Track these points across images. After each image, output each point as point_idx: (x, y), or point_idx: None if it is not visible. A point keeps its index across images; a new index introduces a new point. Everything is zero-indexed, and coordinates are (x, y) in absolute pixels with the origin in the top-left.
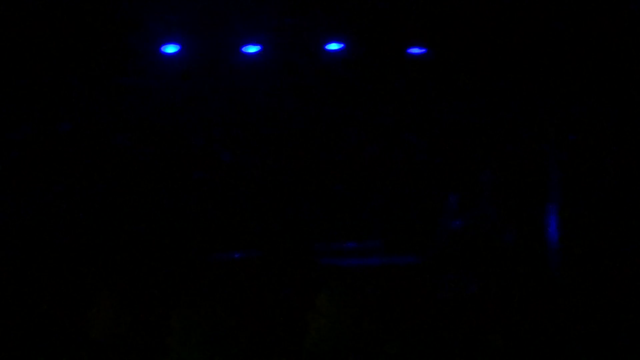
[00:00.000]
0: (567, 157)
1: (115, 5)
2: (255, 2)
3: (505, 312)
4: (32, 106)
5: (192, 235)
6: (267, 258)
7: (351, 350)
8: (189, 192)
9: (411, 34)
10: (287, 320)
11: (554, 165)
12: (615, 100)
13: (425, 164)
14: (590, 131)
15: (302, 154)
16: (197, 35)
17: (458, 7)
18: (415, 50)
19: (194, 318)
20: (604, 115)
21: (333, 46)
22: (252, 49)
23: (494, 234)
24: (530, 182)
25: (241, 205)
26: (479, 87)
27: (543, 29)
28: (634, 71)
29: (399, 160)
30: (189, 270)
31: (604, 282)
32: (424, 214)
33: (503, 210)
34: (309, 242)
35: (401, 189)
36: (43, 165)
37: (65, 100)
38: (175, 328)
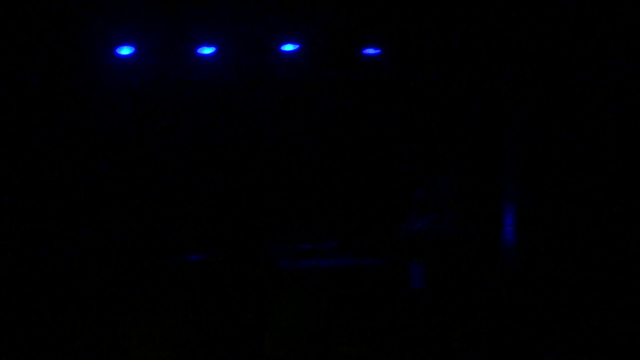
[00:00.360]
0: (523, 155)
1: (71, 7)
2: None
3: (462, 311)
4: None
5: (149, 239)
6: (224, 261)
7: (309, 352)
8: (143, 195)
9: (366, 35)
10: (244, 324)
11: (510, 165)
12: (568, 98)
13: (383, 165)
14: (546, 129)
15: (258, 155)
16: (152, 37)
17: (413, 7)
18: (370, 51)
19: (150, 320)
20: (559, 114)
21: (288, 47)
22: (206, 50)
23: (451, 234)
24: (487, 182)
25: (196, 208)
26: (434, 87)
27: (496, 27)
28: (583, 70)
29: (357, 160)
30: (144, 272)
31: (558, 279)
32: (382, 215)
33: (460, 212)
34: (265, 244)
35: (358, 189)
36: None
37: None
38: (132, 331)
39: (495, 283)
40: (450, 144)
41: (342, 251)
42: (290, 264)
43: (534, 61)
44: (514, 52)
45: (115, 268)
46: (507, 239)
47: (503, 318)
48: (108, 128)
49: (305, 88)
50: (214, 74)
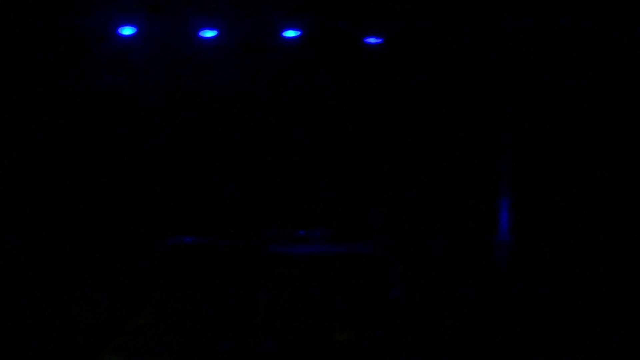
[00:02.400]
0: (518, 151)
1: None
2: None
3: (453, 304)
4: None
5: (143, 220)
6: (218, 243)
7: (300, 338)
8: (139, 177)
9: (368, 23)
10: (236, 308)
11: (505, 159)
12: (565, 93)
13: (381, 153)
14: (542, 125)
15: (255, 140)
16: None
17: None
18: (371, 40)
19: (145, 302)
20: (556, 109)
21: (290, 33)
22: (208, 33)
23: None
24: (481, 176)
25: (192, 191)
26: (432, 78)
27: (496, 21)
28: (581, 65)
29: (354, 147)
30: (138, 254)
31: (553, 276)
32: (375, 203)
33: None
34: (258, 228)
35: (353, 176)
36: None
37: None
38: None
39: (489, 280)
40: (445, 138)
41: (336, 238)
42: (283, 249)
43: (531, 55)
44: (511, 48)
45: (110, 249)
46: (502, 235)
47: (497, 314)
48: (107, 110)
49: (304, 75)
50: (214, 58)
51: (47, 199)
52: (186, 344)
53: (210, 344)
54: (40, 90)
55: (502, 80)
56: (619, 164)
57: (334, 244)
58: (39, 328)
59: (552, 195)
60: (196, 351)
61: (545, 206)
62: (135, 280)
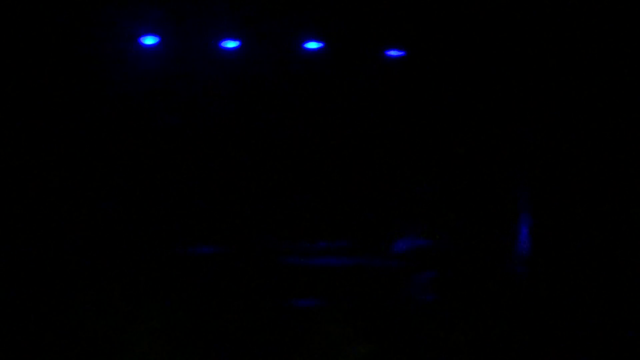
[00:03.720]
0: (539, 165)
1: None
2: None
3: (472, 320)
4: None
5: (161, 230)
6: (234, 254)
7: (320, 350)
8: (156, 188)
9: (390, 36)
10: (254, 318)
11: (525, 174)
12: (587, 104)
13: (398, 165)
14: (563, 136)
15: (274, 151)
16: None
17: (437, 9)
18: (393, 53)
19: (159, 313)
20: (578, 120)
21: (312, 45)
22: (230, 44)
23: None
24: (502, 190)
25: (209, 201)
26: (455, 93)
27: (523, 34)
28: (604, 74)
29: (374, 161)
30: (154, 264)
31: (574, 292)
32: (393, 216)
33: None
34: (275, 240)
35: (372, 189)
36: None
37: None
38: (140, 322)
39: (508, 293)
40: (464, 149)
41: (355, 251)
42: (300, 261)
43: (551, 64)
44: (531, 57)
45: (121, 261)
46: (522, 249)
47: (516, 329)
48: (129, 117)
49: (326, 86)
50: (236, 68)
51: (63, 204)
52: (197, 352)
53: (221, 353)
54: (60, 98)
55: (522, 88)
56: None
57: (353, 255)
58: (49, 333)
59: (574, 208)
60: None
61: (566, 218)
62: (147, 287)
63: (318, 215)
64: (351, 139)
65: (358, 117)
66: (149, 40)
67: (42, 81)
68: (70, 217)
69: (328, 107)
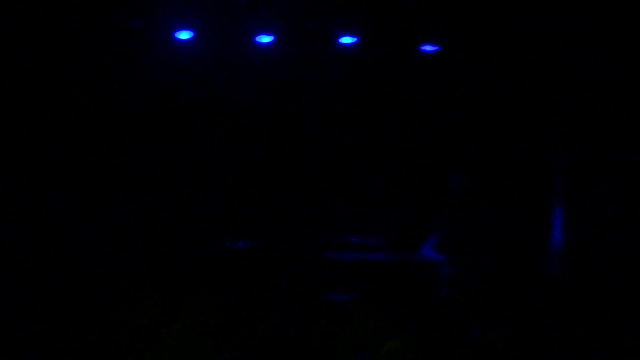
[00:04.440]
0: (573, 160)
1: None
2: None
3: (504, 313)
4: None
5: (195, 225)
6: (270, 249)
7: (350, 346)
8: (190, 184)
9: (425, 31)
10: (289, 313)
11: (560, 168)
12: (622, 97)
13: (432, 161)
14: (598, 131)
15: (308, 146)
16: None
17: (472, 5)
18: (428, 48)
19: (194, 307)
20: (613, 113)
21: (346, 40)
22: (265, 39)
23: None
24: (536, 185)
25: (243, 196)
26: (488, 88)
27: (557, 29)
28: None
29: (404, 157)
30: (188, 259)
31: (606, 286)
32: (425, 213)
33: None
34: (311, 234)
35: (405, 186)
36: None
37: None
38: (173, 318)
39: (541, 287)
40: (499, 144)
41: (389, 246)
42: (335, 256)
43: (588, 59)
44: (569, 51)
45: (160, 255)
46: (556, 242)
47: (548, 323)
48: (163, 111)
49: (360, 82)
50: (271, 63)
51: (95, 202)
52: (225, 348)
53: (250, 349)
54: (89, 92)
55: (560, 81)
56: None
57: (385, 251)
58: (80, 331)
59: (609, 201)
60: (235, 355)
61: (601, 212)
62: (178, 284)
63: (352, 211)
64: (385, 135)
65: (391, 113)
66: (184, 35)
67: (75, 76)
68: (105, 216)
69: (362, 103)
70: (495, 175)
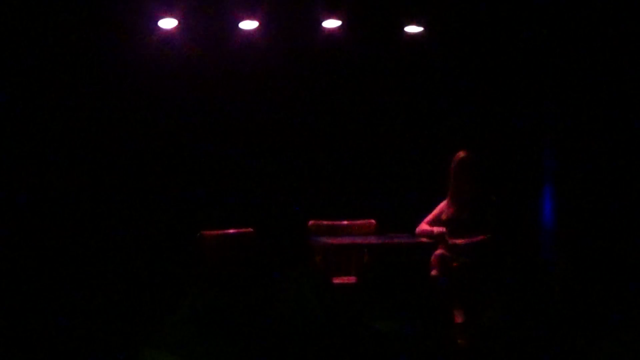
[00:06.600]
0: (563, 140)
1: None
2: None
3: (498, 295)
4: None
5: (189, 211)
6: (260, 234)
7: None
8: (184, 168)
9: (409, 12)
10: (278, 296)
11: (550, 148)
12: (613, 78)
13: (422, 145)
14: (588, 111)
15: (300, 132)
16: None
17: None
18: (412, 29)
19: (188, 294)
20: (603, 95)
21: (330, 23)
22: (249, 25)
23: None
24: (526, 166)
25: (235, 181)
26: (475, 70)
27: (543, 14)
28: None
29: (396, 141)
30: (183, 245)
31: (597, 266)
32: (418, 195)
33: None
34: (302, 218)
35: (397, 169)
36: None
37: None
38: (167, 304)
39: (533, 270)
40: (489, 127)
41: (380, 230)
42: (326, 240)
43: (577, 41)
44: (557, 33)
45: (153, 241)
46: (546, 222)
47: (540, 304)
48: (149, 100)
49: (349, 65)
50: (255, 49)
51: (95, 193)
52: (228, 339)
53: (254, 341)
54: (77, 84)
55: (548, 62)
56: None
57: (380, 234)
58: (79, 322)
59: (599, 181)
60: (237, 345)
61: (591, 192)
62: (177, 273)
63: (344, 193)
64: (376, 120)
65: (379, 98)
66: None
67: (66, 73)
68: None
69: (350, 88)
70: (486, 155)
